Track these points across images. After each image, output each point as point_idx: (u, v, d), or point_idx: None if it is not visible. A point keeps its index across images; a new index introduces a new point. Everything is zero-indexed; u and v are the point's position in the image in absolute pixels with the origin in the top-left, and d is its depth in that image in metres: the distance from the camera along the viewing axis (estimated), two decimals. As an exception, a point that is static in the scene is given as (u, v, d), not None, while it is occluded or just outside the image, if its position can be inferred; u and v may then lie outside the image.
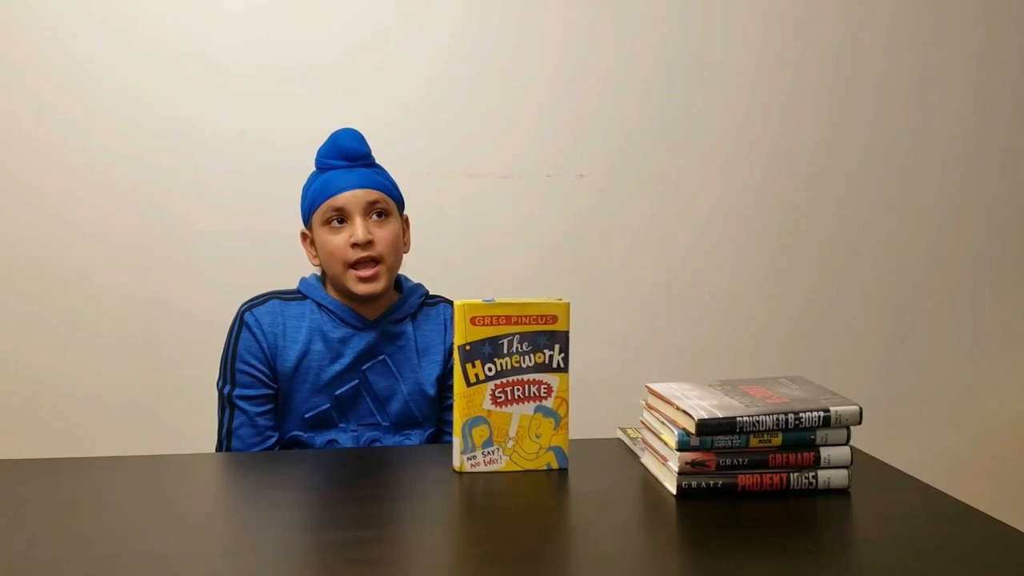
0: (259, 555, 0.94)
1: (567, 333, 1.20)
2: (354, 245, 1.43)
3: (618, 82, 2.24)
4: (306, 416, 1.48)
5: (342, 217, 1.46)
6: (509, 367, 1.18)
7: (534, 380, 1.19)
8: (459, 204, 2.22)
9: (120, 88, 2.10)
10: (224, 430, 1.48)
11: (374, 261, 1.44)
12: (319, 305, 1.50)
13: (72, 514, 1.05)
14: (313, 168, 1.52)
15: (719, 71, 2.26)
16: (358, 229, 1.43)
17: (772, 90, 2.29)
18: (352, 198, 1.45)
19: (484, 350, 1.17)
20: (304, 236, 1.54)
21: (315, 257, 1.52)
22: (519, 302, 1.18)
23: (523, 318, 1.18)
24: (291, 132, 2.12)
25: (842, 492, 1.10)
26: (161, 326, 2.16)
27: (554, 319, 1.19)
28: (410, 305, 1.54)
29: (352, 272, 1.45)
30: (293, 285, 1.55)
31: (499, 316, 1.17)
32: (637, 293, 2.29)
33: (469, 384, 1.17)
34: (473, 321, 1.17)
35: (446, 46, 2.19)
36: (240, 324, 1.48)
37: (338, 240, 1.45)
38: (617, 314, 2.28)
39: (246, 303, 1.51)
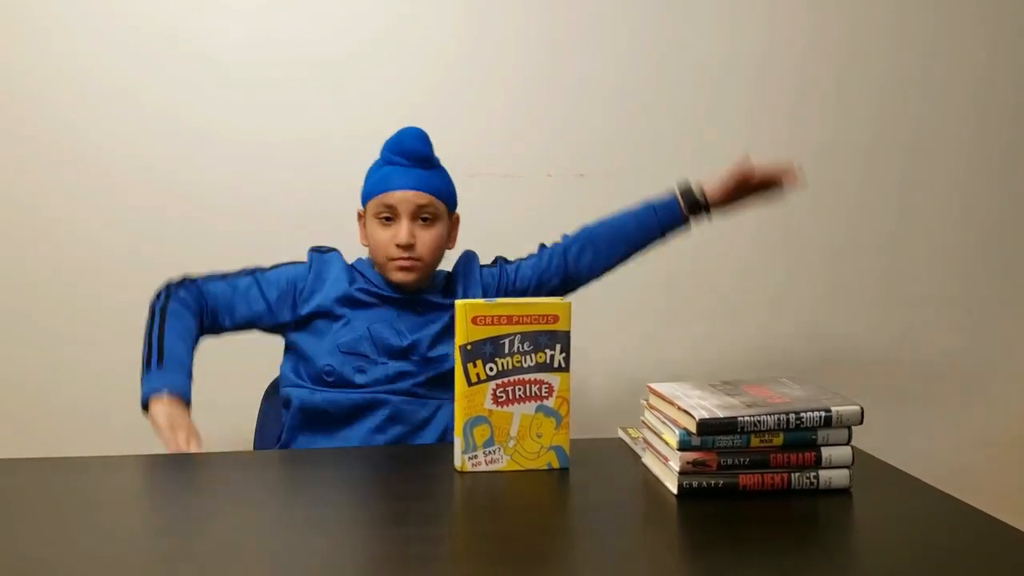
0: (259, 555, 0.94)
1: (568, 333, 1.20)
2: (397, 245, 1.53)
3: (619, 82, 2.24)
4: (340, 344, 1.53)
5: (392, 215, 1.55)
6: (510, 367, 1.18)
7: (535, 380, 1.19)
8: (459, 204, 2.21)
9: (120, 88, 2.10)
10: (220, 274, 1.62)
11: (413, 259, 1.54)
12: (361, 274, 1.61)
13: (70, 514, 1.05)
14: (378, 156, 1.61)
15: (720, 71, 2.26)
16: (403, 231, 1.53)
17: (773, 90, 2.28)
18: (403, 199, 1.55)
19: (485, 350, 1.17)
20: (360, 215, 1.64)
21: (365, 238, 1.61)
22: (520, 302, 1.19)
23: (524, 318, 1.18)
24: (291, 132, 2.11)
25: (843, 492, 1.10)
26: (161, 326, 2.16)
27: (555, 319, 1.19)
28: (435, 286, 1.64)
29: (391, 263, 1.55)
30: None
31: (500, 316, 1.17)
32: (637, 293, 2.28)
33: (470, 384, 1.17)
34: (474, 321, 1.17)
35: (447, 46, 2.18)
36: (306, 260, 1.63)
37: (384, 236, 1.55)
38: (617, 314, 2.27)
39: (316, 247, 1.66)
